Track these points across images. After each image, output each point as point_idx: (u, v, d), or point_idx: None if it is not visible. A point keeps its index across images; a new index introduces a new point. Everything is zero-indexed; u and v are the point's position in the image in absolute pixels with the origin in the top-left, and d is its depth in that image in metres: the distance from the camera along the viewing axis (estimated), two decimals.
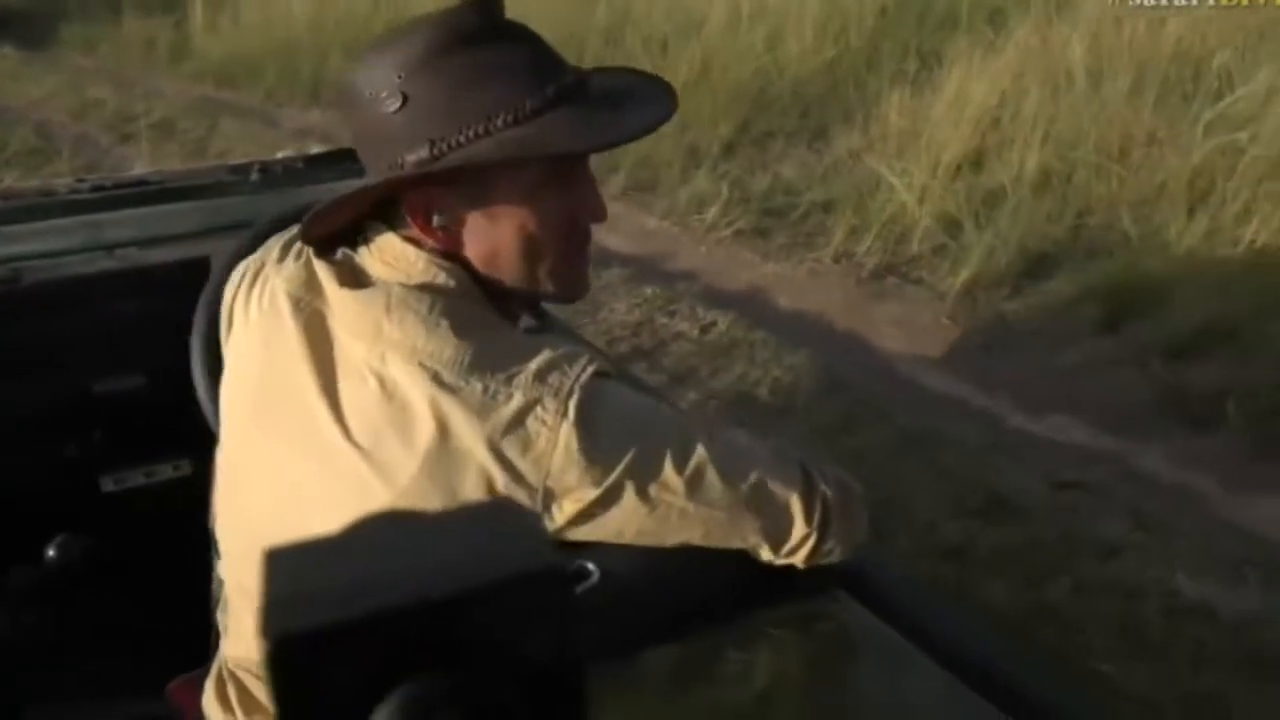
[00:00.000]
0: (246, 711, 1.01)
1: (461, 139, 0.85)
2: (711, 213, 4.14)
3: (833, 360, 3.09)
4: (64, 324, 1.56)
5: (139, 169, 5.00)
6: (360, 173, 1.81)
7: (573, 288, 0.95)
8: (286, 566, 0.44)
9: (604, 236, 3.20)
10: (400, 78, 0.85)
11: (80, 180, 1.83)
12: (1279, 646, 1.96)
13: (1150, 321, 3.00)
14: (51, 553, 1.55)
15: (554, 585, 0.43)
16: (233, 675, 1.02)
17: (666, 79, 0.95)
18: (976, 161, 3.96)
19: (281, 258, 0.98)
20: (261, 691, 0.99)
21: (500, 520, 0.53)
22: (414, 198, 0.88)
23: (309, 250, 0.95)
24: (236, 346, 1.01)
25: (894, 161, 3.98)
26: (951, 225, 3.61)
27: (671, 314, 3.44)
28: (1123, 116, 3.90)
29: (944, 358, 3.11)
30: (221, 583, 1.06)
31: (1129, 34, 4.48)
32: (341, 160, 1.85)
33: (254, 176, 1.82)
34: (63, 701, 1.56)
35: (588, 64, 0.95)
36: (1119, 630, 2.01)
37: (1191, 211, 3.31)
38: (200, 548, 1.08)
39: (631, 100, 0.92)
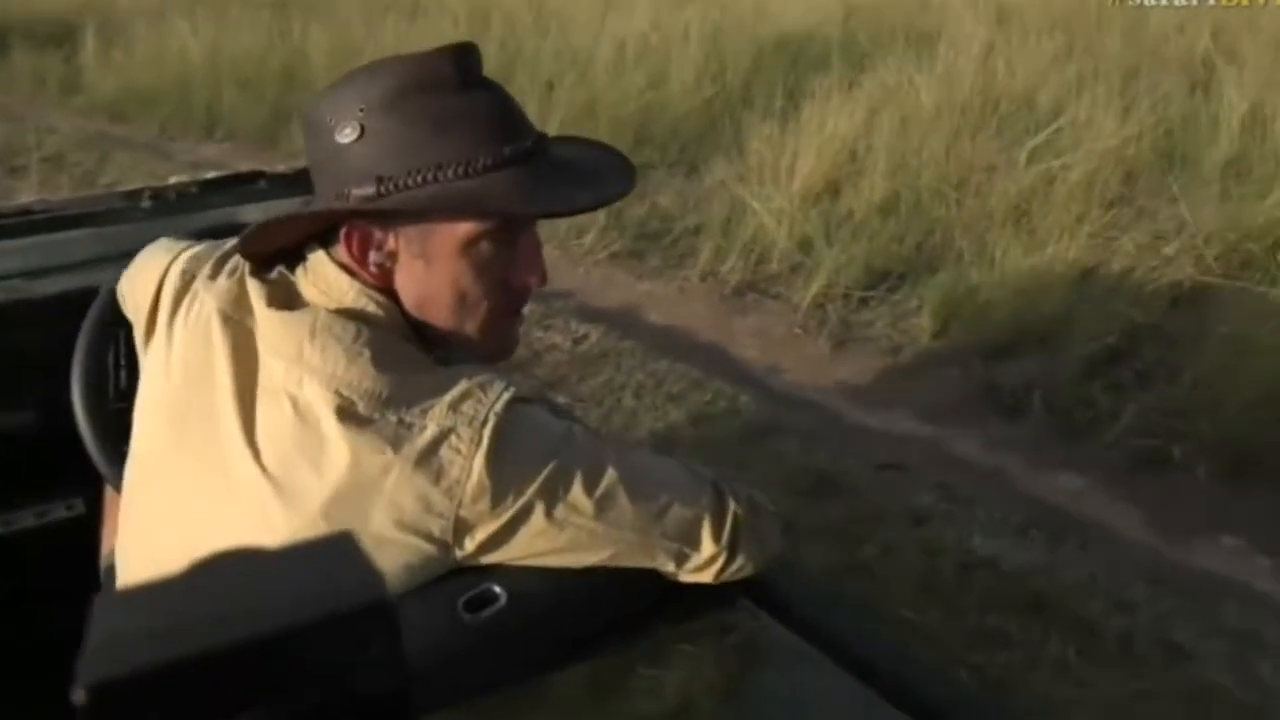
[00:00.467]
0: None
1: (409, 182, 0.85)
2: (589, 238, 4.42)
3: (693, 366, 3.38)
4: None
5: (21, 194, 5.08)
6: (259, 196, 1.82)
7: (498, 347, 0.96)
8: (140, 602, 0.45)
9: None
10: (362, 111, 0.86)
11: None
12: (1051, 590, 2.27)
13: (974, 327, 3.36)
14: None
15: (379, 620, 0.43)
16: None
17: (625, 153, 0.98)
18: (833, 189, 4.33)
19: (214, 274, 0.98)
20: None
21: (333, 555, 0.53)
22: (353, 230, 0.89)
23: (244, 267, 0.96)
24: (155, 361, 1.00)
25: (758, 189, 4.33)
26: (807, 245, 3.95)
27: (547, 328, 3.69)
28: (964, 148, 4.33)
29: (793, 362, 3.43)
30: None
31: (975, 75, 4.96)
32: (236, 184, 1.84)
33: (145, 203, 1.79)
34: None
35: None
36: (919, 582, 2.31)
37: (1014, 230, 3.71)
38: (97, 590, 1.04)
39: (587, 173, 0.93)
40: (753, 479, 2.55)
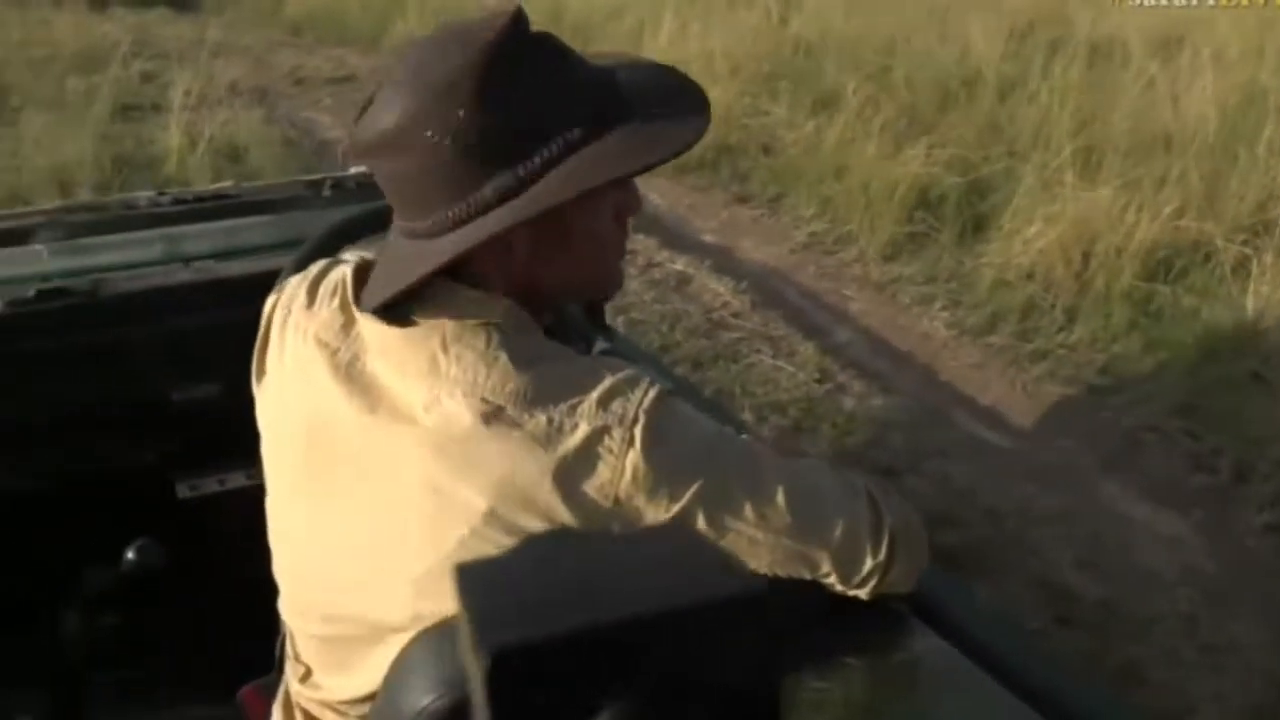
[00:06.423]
0: None
1: (540, 166, 0.91)
2: None
3: None
4: (144, 333, 1.73)
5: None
6: None
7: (618, 281, 1.07)
8: (470, 586, 0.47)
9: None
10: (461, 114, 0.89)
11: (161, 194, 2.06)
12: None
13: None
14: (130, 555, 1.69)
15: (754, 611, 0.46)
16: (298, 704, 1.13)
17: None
18: None
19: (310, 302, 1.05)
20: None
21: (687, 546, 0.54)
22: (495, 239, 0.92)
23: (342, 292, 1.03)
24: (274, 388, 1.09)
25: None
26: None
27: None
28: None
29: None
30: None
31: None
32: None
33: (326, 191, 2.03)
34: (136, 703, 1.76)
35: None
36: None
37: None
38: (269, 555, 1.13)
39: (663, 95, 0.99)
40: None
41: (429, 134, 0.90)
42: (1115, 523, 3.15)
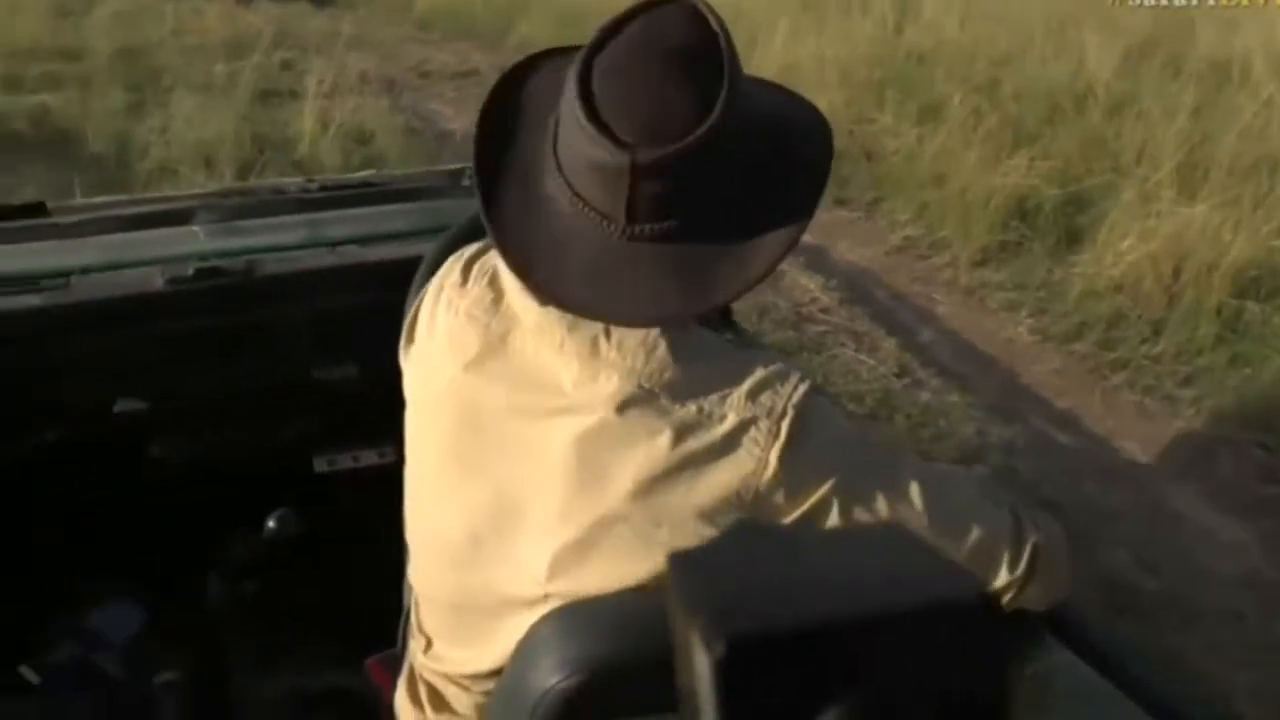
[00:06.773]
0: (436, 710, 1.14)
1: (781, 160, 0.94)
2: None
3: None
4: (289, 314, 1.80)
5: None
6: None
7: None
8: (683, 575, 0.46)
9: None
10: (749, 101, 0.91)
11: (309, 181, 2.14)
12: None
13: None
14: (271, 524, 1.81)
15: (983, 614, 0.45)
16: (422, 676, 1.15)
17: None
18: None
19: (464, 280, 1.06)
20: (450, 694, 1.12)
21: (903, 545, 0.53)
22: None
23: (494, 270, 1.03)
24: (421, 359, 1.10)
25: None
26: None
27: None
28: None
29: None
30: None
31: None
32: None
33: (465, 181, 2.06)
34: (271, 666, 1.82)
35: None
36: None
37: None
38: (400, 532, 1.17)
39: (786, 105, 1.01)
40: None
41: (727, 126, 0.89)
42: (1179, 525, 3.23)
